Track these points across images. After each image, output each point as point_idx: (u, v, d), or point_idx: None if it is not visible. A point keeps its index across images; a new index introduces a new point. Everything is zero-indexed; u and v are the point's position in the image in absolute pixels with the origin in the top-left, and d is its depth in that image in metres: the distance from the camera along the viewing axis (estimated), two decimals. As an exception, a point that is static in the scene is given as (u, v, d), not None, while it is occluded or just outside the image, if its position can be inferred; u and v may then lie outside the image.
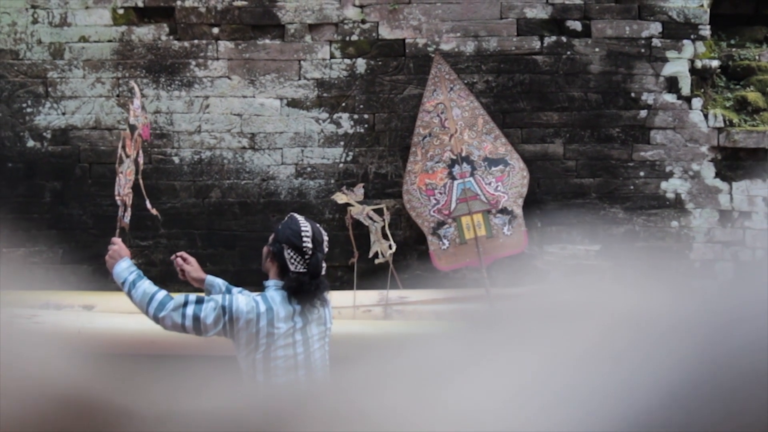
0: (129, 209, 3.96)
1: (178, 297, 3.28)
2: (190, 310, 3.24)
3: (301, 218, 3.45)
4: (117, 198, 3.94)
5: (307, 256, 3.33)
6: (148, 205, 4.13)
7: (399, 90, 6.41)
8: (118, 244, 3.50)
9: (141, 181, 4.05)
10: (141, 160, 4.11)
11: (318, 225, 3.46)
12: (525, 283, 6.10)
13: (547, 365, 0.75)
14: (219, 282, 3.71)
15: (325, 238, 3.43)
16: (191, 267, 3.73)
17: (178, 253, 3.78)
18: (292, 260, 3.34)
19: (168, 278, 5.76)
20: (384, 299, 5.86)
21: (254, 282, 3.78)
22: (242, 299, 3.29)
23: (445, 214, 6.25)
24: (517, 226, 6.27)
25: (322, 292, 3.39)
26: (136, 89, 4.30)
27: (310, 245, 3.34)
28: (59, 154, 6.53)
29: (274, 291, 3.34)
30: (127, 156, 3.99)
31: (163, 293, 3.29)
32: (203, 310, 3.24)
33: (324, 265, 3.39)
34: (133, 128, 4.05)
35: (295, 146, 6.46)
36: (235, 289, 3.65)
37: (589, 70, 6.38)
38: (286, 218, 3.49)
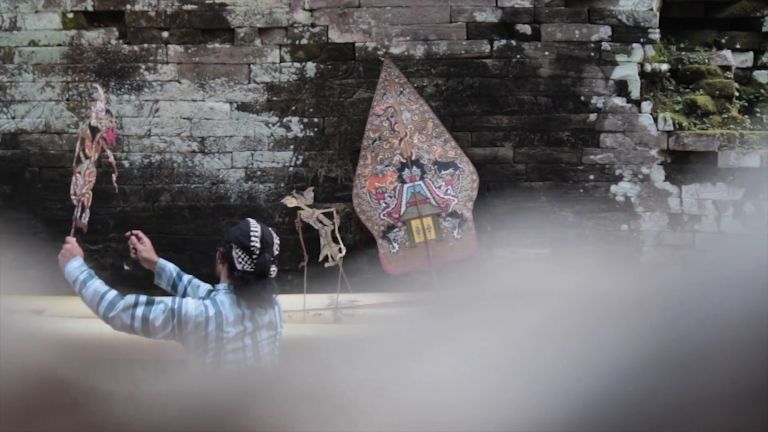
0: (87, 210, 3.93)
1: (129, 297, 3.26)
2: (139, 311, 3.22)
3: (253, 221, 3.45)
4: (73, 197, 3.90)
5: (254, 256, 3.31)
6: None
7: (349, 94, 6.41)
8: (71, 243, 3.49)
9: (115, 179, 4.13)
10: (113, 161, 4.15)
11: (270, 228, 3.46)
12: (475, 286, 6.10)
13: (496, 348, 0.75)
14: (171, 267, 3.68)
15: (276, 241, 3.41)
16: (144, 247, 3.71)
17: (134, 231, 3.77)
18: (240, 259, 3.31)
19: (118, 282, 5.75)
20: (334, 303, 5.85)
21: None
22: (192, 303, 3.27)
23: (395, 217, 6.25)
24: (467, 230, 6.27)
25: (269, 293, 3.36)
26: (101, 92, 4.28)
27: (258, 245, 3.32)
28: (9, 158, 6.51)
29: (223, 295, 3.32)
30: (87, 157, 3.96)
31: (113, 293, 3.27)
32: (152, 312, 3.22)
33: (275, 268, 3.38)
34: (94, 130, 4.01)
35: (245, 150, 6.45)
36: (186, 276, 3.66)
37: (538, 73, 6.39)
38: (240, 222, 3.50)
